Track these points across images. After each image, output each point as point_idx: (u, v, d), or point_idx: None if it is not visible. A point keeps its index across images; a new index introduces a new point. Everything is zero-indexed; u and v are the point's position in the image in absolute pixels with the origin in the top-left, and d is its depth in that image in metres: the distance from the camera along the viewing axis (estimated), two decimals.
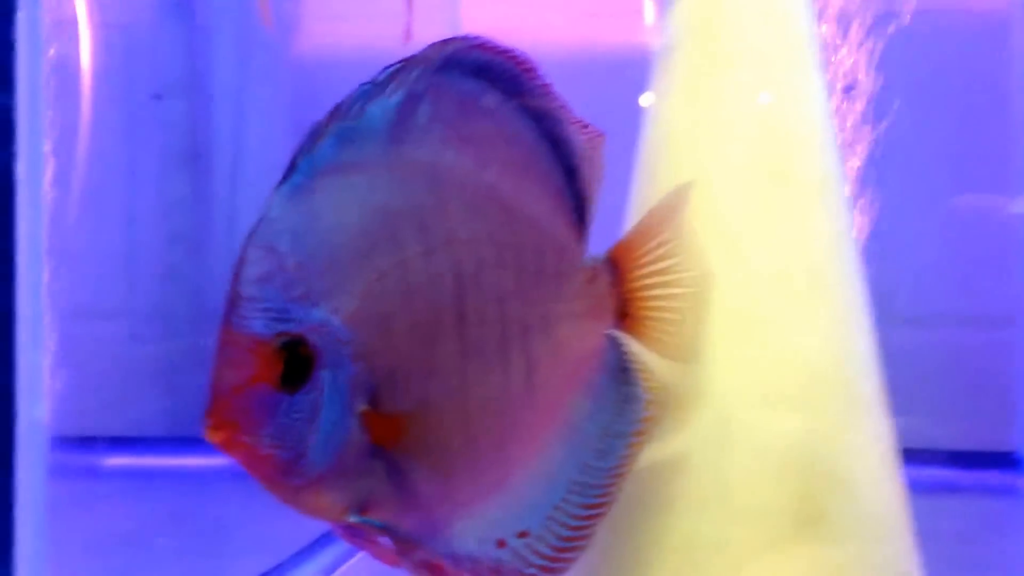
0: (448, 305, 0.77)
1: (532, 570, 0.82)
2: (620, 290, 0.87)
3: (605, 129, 0.87)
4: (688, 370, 0.93)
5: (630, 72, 1.11)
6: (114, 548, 1.32)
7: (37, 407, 0.83)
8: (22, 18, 0.85)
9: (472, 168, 0.80)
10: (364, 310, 0.74)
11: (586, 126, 0.86)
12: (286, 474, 0.74)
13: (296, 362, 0.73)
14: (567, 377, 0.85)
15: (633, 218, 1.01)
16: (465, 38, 0.81)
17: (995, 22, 1.87)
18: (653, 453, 0.91)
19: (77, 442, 1.58)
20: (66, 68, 1.69)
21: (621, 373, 0.87)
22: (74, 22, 1.76)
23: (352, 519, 0.77)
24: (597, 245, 0.88)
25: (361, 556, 1.30)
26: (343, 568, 1.31)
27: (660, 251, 0.88)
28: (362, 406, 0.75)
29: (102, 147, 1.83)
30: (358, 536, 0.80)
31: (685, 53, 1.03)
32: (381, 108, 0.76)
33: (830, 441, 0.97)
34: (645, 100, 1.06)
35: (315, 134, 0.75)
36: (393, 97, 0.77)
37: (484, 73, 0.81)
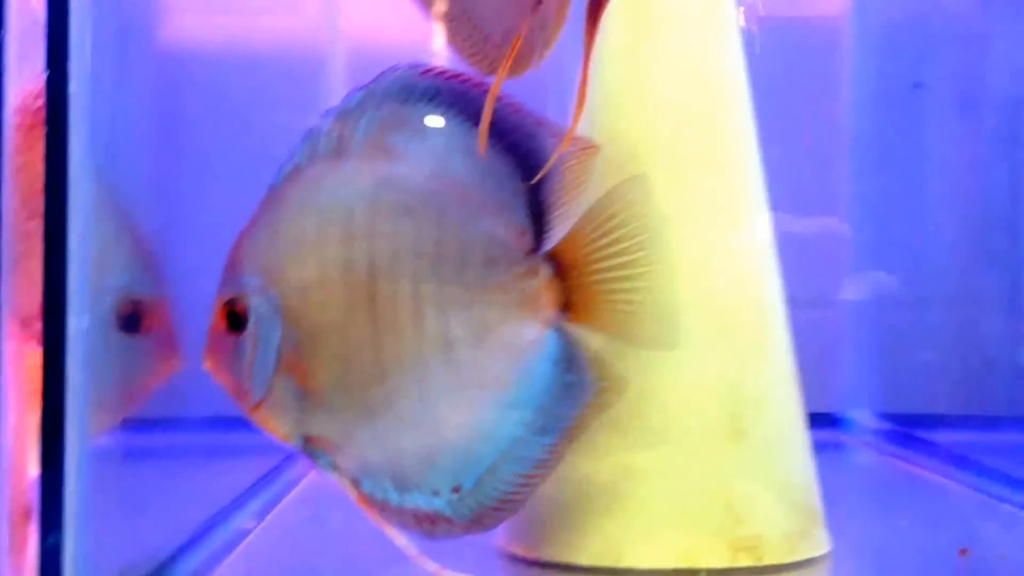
0: (362, 282, 0.97)
1: (463, 521, 0.97)
2: (564, 284, 0.98)
3: None
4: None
5: None
6: None
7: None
8: None
9: (411, 177, 0.98)
10: (289, 281, 0.98)
11: (561, 133, 0.99)
12: (240, 397, 0.99)
13: (234, 315, 0.98)
14: (502, 358, 0.98)
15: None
16: (417, 66, 1.00)
17: (827, 32, 2.03)
18: None
19: None
20: None
21: (566, 362, 0.99)
22: None
23: (296, 444, 0.99)
24: None
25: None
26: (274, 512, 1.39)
27: (609, 246, 0.99)
28: (288, 352, 0.97)
29: None
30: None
31: (621, 17, 1.14)
32: (327, 139, 0.99)
33: (750, 369, 1.13)
34: None
35: (282, 165, 1.00)
36: (338, 131, 0.99)
37: (438, 97, 0.99)
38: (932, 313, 1.97)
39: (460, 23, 0.96)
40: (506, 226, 0.99)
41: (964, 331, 1.93)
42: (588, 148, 1.01)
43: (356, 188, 0.98)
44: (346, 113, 0.99)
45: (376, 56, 1.82)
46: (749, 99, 1.17)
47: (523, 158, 1.00)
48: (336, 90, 1.85)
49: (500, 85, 0.91)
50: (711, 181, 1.14)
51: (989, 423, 1.83)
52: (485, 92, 0.97)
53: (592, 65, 1.13)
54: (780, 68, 1.59)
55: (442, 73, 1.00)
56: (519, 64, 0.92)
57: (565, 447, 0.99)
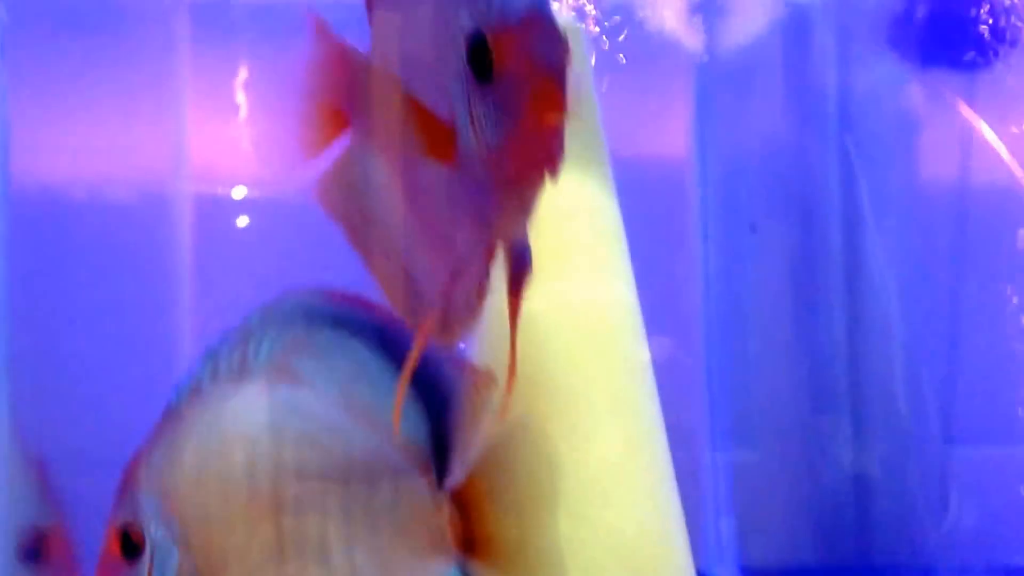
0: (266, 512, 0.93)
1: None
2: (465, 523, 0.96)
3: None
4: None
5: None
6: None
7: None
8: None
9: (316, 404, 0.95)
10: (189, 508, 0.94)
11: (464, 366, 0.99)
12: None
13: (128, 540, 0.94)
14: None
15: None
16: (320, 289, 0.99)
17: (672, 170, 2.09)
18: None
19: None
20: None
21: None
22: None
23: None
24: None
25: None
26: None
27: (505, 486, 0.97)
28: None
29: None
30: None
31: None
32: (229, 360, 0.96)
33: None
34: None
35: (180, 384, 0.96)
36: (240, 352, 0.96)
37: (343, 322, 0.98)
38: (778, 458, 2.01)
39: (397, 278, 0.93)
40: (412, 459, 0.96)
41: (810, 477, 1.99)
42: (487, 380, 0.99)
43: (260, 413, 0.94)
44: (247, 334, 0.97)
45: (224, 203, 1.80)
46: (641, 324, 1.17)
47: (427, 390, 0.98)
48: (182, 236, 1.79)
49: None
50: (608, 412, 1.14)
51: (841, 573, 1.88)
52: (389, 318, 0.96)
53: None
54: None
55: (346, 297, 0.99)
56: (448, 332, 0.90)
57: None
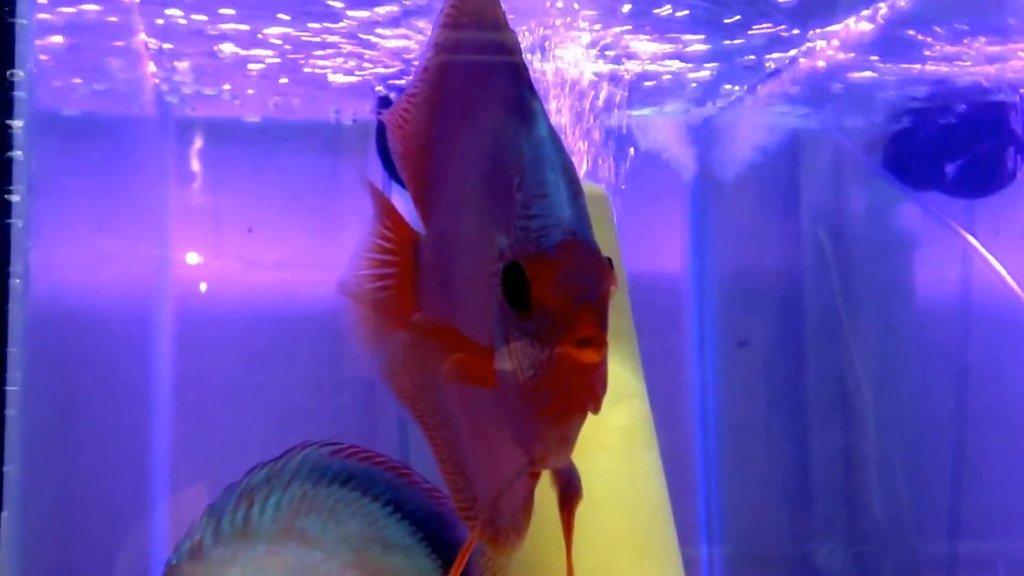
0: None
1: None
2: None
3: None
4: None
5: None
6: None
7: None
8: None
9: (326, 566, 0.90)
10: None
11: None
12: None
13: None
14: None
15: None
16: (327, 445, 0.94)
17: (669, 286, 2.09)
18: None
19: None
20: None
21: None
22: None
23: None
24: None
25: None
26: None
27: None
28: None
29: None
30: None
31: None
32: (232, 519, 0.90)
33: None
34: None
35: (180, 541, 0.89)
36: (243, 510, 0.90)
37: (352, 480, 0.94)
38: (773, 559, 2.00)
39: (455, 472, 0.89)
40: None
41: None
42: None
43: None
44: (251, 490, 0.91)
45: (204, 308, 1.79)
46: (670, 514, 1.15)
47: (443, 550, 0.95)
48: (165, 345, 1.78)
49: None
50: None
51: None
52: (400, 475, 0.94)
53: None
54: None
55: (354, 453, 0.94)
56: (495, 542, 0.85)
57: None
